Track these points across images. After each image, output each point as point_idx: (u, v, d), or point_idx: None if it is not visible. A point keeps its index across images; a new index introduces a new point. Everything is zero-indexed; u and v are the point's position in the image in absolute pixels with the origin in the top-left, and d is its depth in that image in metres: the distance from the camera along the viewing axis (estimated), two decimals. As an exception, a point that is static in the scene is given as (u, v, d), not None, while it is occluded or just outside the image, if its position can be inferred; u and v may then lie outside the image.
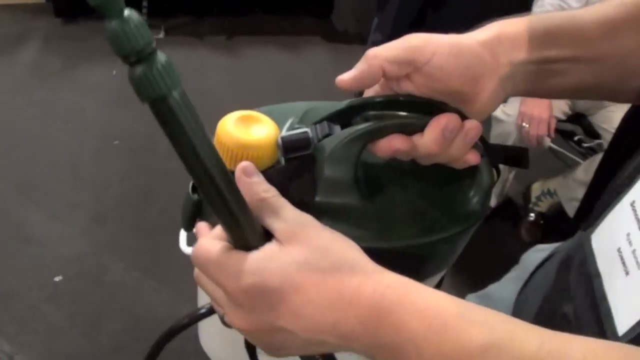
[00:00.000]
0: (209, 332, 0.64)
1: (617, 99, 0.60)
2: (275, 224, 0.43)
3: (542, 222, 2.37)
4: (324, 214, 0.48)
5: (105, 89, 3.00)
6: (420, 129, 0.50)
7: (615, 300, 0.47)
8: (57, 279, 1.98)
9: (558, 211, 2.28)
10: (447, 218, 0.53)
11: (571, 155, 2.34)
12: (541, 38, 0.52)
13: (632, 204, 0.48)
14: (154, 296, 1.95)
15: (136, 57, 0.34)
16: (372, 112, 0.51)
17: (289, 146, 0.49)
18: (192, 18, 3.69)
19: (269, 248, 0.43)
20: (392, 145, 0.50)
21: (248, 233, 0.43)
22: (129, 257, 2.09)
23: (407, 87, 0.51)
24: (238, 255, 0.43)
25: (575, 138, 2.31)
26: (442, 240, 0.53)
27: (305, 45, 3.55)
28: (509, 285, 0.74)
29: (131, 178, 2.47)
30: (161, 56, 0.35)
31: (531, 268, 0.70)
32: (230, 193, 0.41)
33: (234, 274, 0.42)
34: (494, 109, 0.54)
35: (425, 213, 0.53)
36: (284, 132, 0.50)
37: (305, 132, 0.50)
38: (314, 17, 3.79)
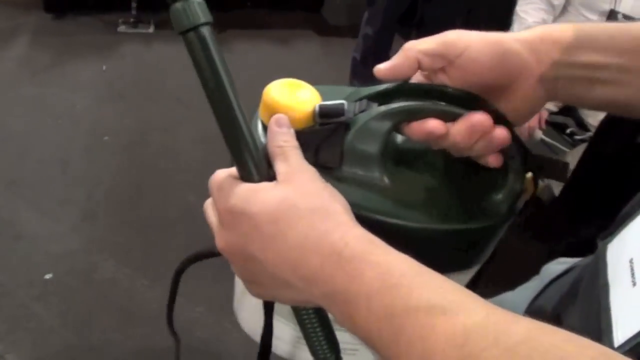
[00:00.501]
0: (247, 308, 0.66)
1: None
2: (280, 167, 0.47)
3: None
4: (346, 181, 0.52)
5: (95, 84, 2.98)
6: (454, 118, 0.51)
7: (617, 312, 0.46)
8: (47, 276, 1.97)
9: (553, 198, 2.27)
10: (465, 212, 0.54)
11: (563, 148, 2.33)
12: (589, 42, 0.52)
13: None
14: (146, 293, 1.94)
15: None
16: (412, 97, 0.53)
17: (324, 112, 0.52)
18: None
19: (265, 184, 0.47)
20: (425, 127, 0.51)
21: (251, 168, 0.47)
22: (120, 254, 2.07)
23: (443, 80, 0.53)
24: (237, 182, 0.47)
25: (568, 130, 2.30)
26: (456, 232, 0.54)
27: (297, 39, 3.54)
28: (523, 293, 0.73)
29: (122, 174, 2.45)
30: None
31: (547, 280, 0.69)
32: (241, 127, 0.47)
33: (225, 195, 0.46)
34: (533, 110, 0.54)
35: (445, 202, 0.54)
36: (323, 101, 0.54)
37: (342, 103, 0.52)
38: (305, 11, 3.78)
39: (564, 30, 0.52)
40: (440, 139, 0.51)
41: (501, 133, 0.51)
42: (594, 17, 2.06)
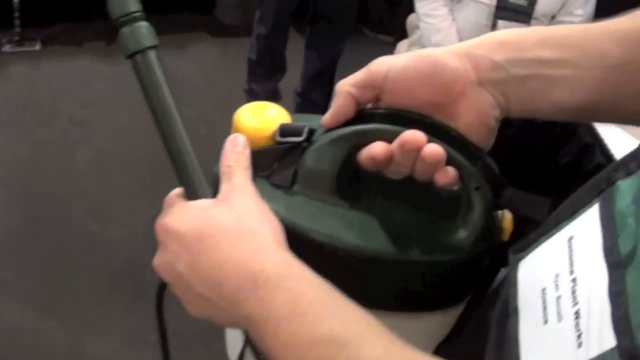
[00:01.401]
0: (228, 333, 0.67)
1: None
2: (223, 186, 0.49)
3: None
4: (298, 202, 0.52)
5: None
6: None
7: (527, 347, 0.42)
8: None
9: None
10: (423, 244, 0.52)
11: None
12: (539, 39, 0.49)
13: (570, 240, 0.43)
14: (55, 336, 1.82)
15: (125, 19, 0.49)
16: (386, 121, 0.52)
17: (283, 131, 0.54)
18: (69, 25, 3.48)
19: (200, 202, 0.49)
20: (371, 151, 0.49)
21: (194, 187, 0.50)
22: (23, 296, 1.94)
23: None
24: (178, 201, 0.50)
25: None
26: (410, 264, 0.52)
27: (191, 43, 3.43)
28: None
29: (17, 208, 2.30)
30: (144, 23, 0.50)
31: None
32: (184, 147, 0.50)
33: (164, 213, 0.49)
34: (488, 123, 0.50)
35: (402, 232, 0.53)
36: (288, 122, 0.55)
37: (303, 125, 0.54)
38: (197, 13, 3.66)
39: (511, 32, 0.50)
40: (386, 162, 0.50)
41: (430, 151, 0.48)
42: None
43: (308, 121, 0.56)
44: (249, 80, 2.65)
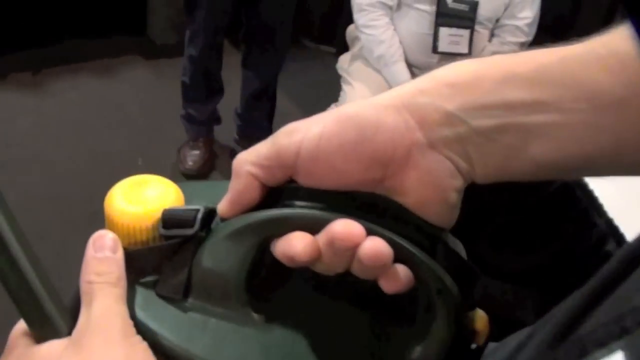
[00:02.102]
0: None
1: None
2: (81, 317, 0.37)
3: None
4: (195, 322, 0.39)
5: None
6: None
7: None
8: None
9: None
10: None
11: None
12: (496, 75, 0.36)
13: None
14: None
15: None
16: (293, 202, 0.38)
17: (167, 220, 0.39)
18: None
19: (51, 346, 0.37)
20: (289, 249, 0.37)
21: (40, 321, 0.37)
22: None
23: None
24: (21, 341, 0.38)
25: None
26: None
27: (123, 67, 3.25)
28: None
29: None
30: None
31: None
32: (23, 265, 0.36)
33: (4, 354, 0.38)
34: (448, 200, 0.37)
35: (339, 355, 0.41)
36: (174, 206, 0.40)
37: (196, 209, 0.39)
38: (128, 35, 3.47)
39: (461, 67, 0.37)
40: (311, 263, 0.37)
41: (372, 246, 0.35)
42: (425, 6, 1.96)
43: (212, 193, 0.42)
44: (184, 105, 2.49)
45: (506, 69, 0.36)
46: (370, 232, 0.36)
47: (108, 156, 2.48)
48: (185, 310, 0.39)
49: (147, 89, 3.06)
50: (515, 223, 0.54)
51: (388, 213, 0.37)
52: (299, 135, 0.37)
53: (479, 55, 1.93)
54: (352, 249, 0.35)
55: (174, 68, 2.86)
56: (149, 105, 2.89)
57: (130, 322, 0.37)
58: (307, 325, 0.41)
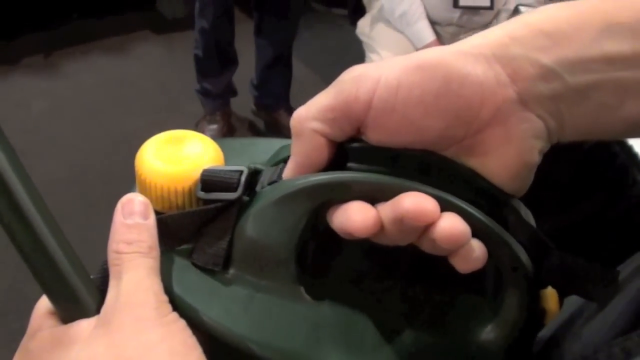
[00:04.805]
0: None
1: None
2: (109, 292, 0.33)
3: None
4: (236, 295, 0.35)
5: None
6: (393, 195, 0.32)
7: None
8: None
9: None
10: (430, 355, 0.36)
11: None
12: (596, 25, 0.32)
13: None
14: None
15: None
16: (354, 164, 0.34)
17: (206, 183, 0.35)
18: (1, 42, 3.23)
19: (80, 327, 0.33)
20: (348, 224, 0.32)
21: (67, 299, 0.33)
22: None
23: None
24: (45, 320, 0.34)
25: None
26: None
27: (134, 43, 3.20)
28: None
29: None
30: None
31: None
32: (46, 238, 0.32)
33: (26, 340, 0.34)
34: (530, 161, 0.33)
35: (396, 338, 0.36)
36: (214, 166, 0.36)
37: (239, 170, 0.35)
38: (138, 10, 3.43)
39: (557, 11, 0.32)
40: (376, 233, 0.33)
41: (448, 227, 0.31)
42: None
43: (253, 152, 0.38)
44: (199, 79, 2.44)
45: (607, 18, 0.32)
46: (443, 206, 0.32)
47: (125, 135, 2.45)
48: (226, 283, 0.35)
49: (160, 64, 3.01)
50: (550, 183, 0.49)
51: (459, 178, 0.33)
52: (370, 82, 0.32)
53: (503, 7, 1.85)
54: (424, 227, 0.32)
55: (186, 42, 2.81)
56: (164, 81, 2.84)
57: (165, 298, 0.33)
58: (361, 302, 0.37)
